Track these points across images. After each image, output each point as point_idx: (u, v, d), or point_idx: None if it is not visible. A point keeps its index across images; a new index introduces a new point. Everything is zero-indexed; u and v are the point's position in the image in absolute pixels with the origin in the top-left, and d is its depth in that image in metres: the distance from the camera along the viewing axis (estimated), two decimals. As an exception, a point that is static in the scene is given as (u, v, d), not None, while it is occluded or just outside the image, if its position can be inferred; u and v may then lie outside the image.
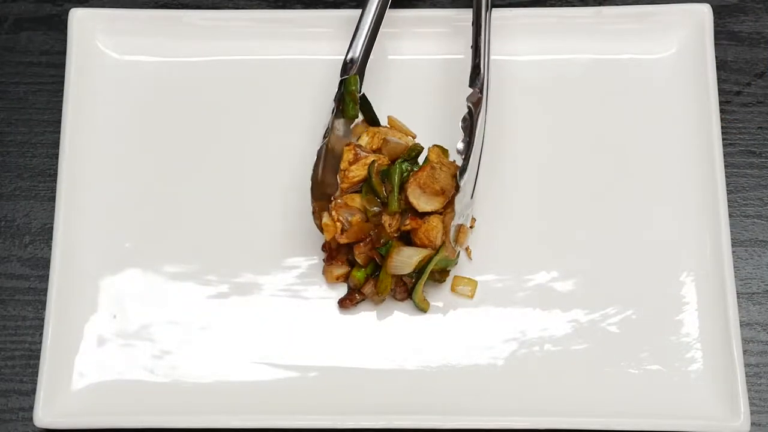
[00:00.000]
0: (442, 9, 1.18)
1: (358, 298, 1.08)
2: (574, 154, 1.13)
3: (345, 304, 1.08)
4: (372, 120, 1.12)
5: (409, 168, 1.08)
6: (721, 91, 1.15)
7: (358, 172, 1.08)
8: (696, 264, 1.09)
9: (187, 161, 1.13)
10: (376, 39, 1.12)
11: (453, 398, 1.05)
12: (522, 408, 1.04)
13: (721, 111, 1.14)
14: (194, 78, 1.15)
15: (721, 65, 1.17)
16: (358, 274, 1.08)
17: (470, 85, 1.10)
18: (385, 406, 1.05)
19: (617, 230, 1.10)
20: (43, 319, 1.07)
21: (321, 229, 1.07)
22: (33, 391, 1.06)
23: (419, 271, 1.06)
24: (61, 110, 1.12)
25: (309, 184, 1.08)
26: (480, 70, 1.10)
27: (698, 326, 1.07)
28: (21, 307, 1.11)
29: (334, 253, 1.08)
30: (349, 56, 1.11)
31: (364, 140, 1.10)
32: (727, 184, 1.11)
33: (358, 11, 1.13)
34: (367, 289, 1.08)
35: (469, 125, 1.09)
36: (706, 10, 1.14)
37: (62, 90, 1.13)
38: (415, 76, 1.15)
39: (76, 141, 1.11)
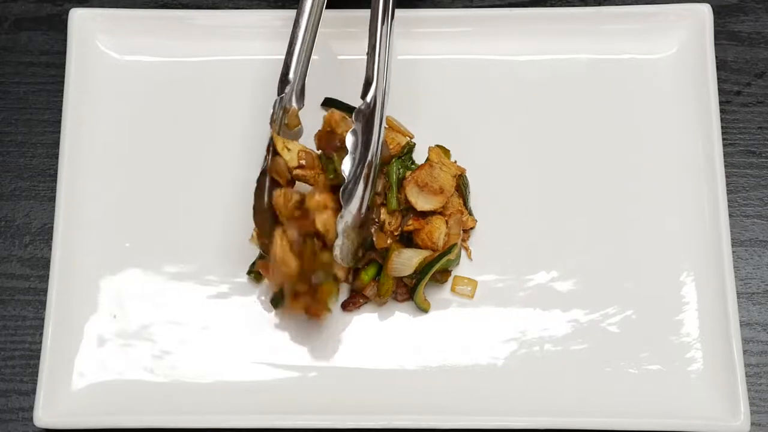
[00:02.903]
0: (442, 9, 1.18)
1: (361, 301, 1.08)
2: (574, 154, 1.13)
3: (348, 307, 1.08)
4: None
5: (403, 165, 1.08)
6: (721, 91, 1.15)
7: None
8: (696, 264, 1.09)
9: (187, 161, 1.13)
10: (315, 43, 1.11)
11: (453, 398, 1.05)
12: (522, 408, 1.04)
13: (721, 111, 1.14)
14: (194, 78, 1.15)
15: (721, 65, 1.17)
16: (366, 277, 1.07)
17: (362, 97, 1.06)
18: (385, 406, 1.05)
19: (617, 230, 1.10)
20: (43, 319, 1.07)
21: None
22: (33, 391, 1.06)
23: (420, 271, 1.06)
24: (61, 110, 1.12)
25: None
26: (372, 83, 1.06)
27: (698, 326, 1.07)
28: (21, 307, 1.11)
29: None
30: (288, 67, 1.09)
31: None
32: (727, 184, 1.11)
33: (360, 11, 1.13)
34: (369, 291, 1.08)
35: (355, 142, 1.05)
36: (706, 10, 1.14)
37: (62, 90, 1.13)
38: (415, 76, 1.15)
39: (76, 141, 1.11)
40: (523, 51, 1.15)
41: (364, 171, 1.04)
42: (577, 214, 1.11)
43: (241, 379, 1.06)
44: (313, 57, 1.11)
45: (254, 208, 1.07)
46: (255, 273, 1.08)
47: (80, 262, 1.09)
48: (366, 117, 1.06)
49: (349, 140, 1.05)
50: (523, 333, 1.08)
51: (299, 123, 1.10)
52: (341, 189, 1.03)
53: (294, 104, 1.10)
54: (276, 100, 1.08)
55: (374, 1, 1.08)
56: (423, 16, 1.15)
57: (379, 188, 1.07)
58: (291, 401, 1.05)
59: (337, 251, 1.03)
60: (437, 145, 1.11)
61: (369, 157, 1.05)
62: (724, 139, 1.13)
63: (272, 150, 1.07)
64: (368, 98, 1.06)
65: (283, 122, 1.09)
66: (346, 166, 1.04)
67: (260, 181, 1.07)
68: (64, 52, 1.14)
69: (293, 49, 1.09)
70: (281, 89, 1.09)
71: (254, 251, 1.09)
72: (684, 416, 1.04)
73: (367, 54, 1.07)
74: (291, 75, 1.09)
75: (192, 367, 1.07)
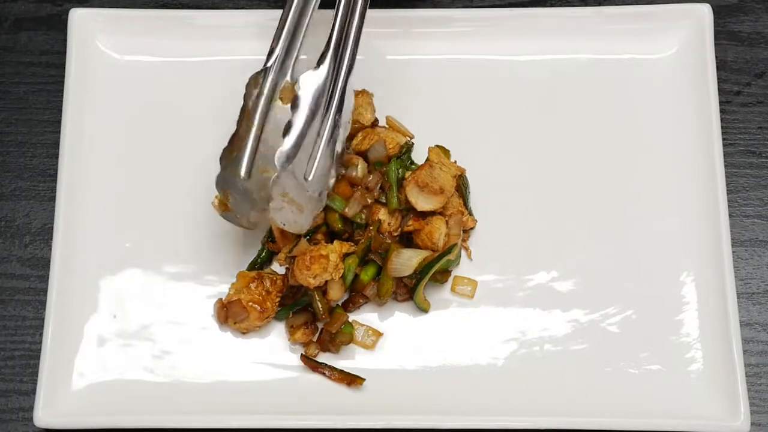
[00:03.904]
0: (442, 9, 1.18)
1: (361, 301, 1.08)
2: (573, 154, 1.13)
3: (349, 307, 1.08)
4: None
5: (402, 164, 1.08)
6: (721, 91, 1.15)
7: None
8: (696, 264, 1.09)
9: (187, 161, 1.13)
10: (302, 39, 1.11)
11: (453, 398, 1.05)
12: (522, 408, 1.04)
13: (721, 111, 1.14)
14: (194, 78, 1.15)
15: (721, 65, 1.17)
16: (366, 277, 1.07)
17: (317, 64, 1.06)
18: (385, 406, 1.05)
19: (617, 230, 1.10)
20: (43, 319, 1.07)
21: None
22: (33, 391, 1.06)
23: (420, 272, 1.06)
24: (61, 110, 1.12)
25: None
26: (330, 48, 1.07)
27: (698, 326, 1.07)
28: (21, 307, 1.11)
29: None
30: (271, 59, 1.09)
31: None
32: (727, 184, 1.11)
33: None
34: (369, 291, 1.08)
35: (298, 101, 1.05)
36: (706, 10, 1.14)
37: (62, 90, 1.13)
38: (415, 76, 1.15)
39: (76, 141, 1.11)
40: (523, 51, 1.16)
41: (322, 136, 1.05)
42: (577, 214, 1.11)
43: (241, 379, 1.06)
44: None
45: (219, 176, 1.06)
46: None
47: (80, 262, 1.09)
48: (320, 80, 1.06)
49: (306, 95, 1.05)
50: (523, 333, 1.08)
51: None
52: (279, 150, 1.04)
53: (288, 78, 1.09)
54: (261, 71, 1.08)
55: None
56: (423, 16, 1.15)
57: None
58: (291, 401, 1.05)
59: (272, 214, 1.04)
60: (437, 145, 1.11)
61: (316, 127, 1.05)
62: (724, 139, 1.13)
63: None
64: (324, 62, 1.06)
65: (276, 97, 1.08)
66: (297, 125, 1.04)
67: (233, 144, 1.07)
68: (64, 52, 1.14)
69: (286, 15, 1.09)
70: (268, 59, 1.08)
71: (253, 252, 1.09)
72: (684, 416, 1.04)
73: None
74: (279, 47, 1.09)
75: (192, 367, 1.07)
